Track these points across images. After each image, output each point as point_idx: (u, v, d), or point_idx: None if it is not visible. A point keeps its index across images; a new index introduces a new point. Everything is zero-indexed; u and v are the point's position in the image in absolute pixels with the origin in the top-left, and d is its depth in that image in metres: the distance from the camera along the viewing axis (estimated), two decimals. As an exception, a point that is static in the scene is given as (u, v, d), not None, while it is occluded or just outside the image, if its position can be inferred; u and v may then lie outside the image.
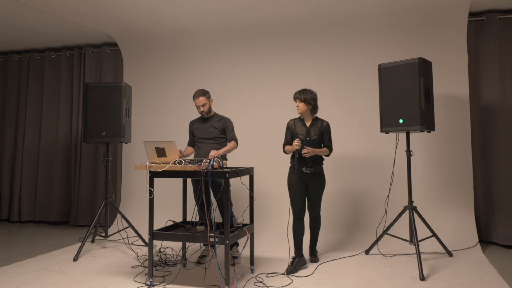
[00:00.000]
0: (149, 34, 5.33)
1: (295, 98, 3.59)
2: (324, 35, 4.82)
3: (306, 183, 3.60)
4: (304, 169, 3.54)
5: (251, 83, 5.03)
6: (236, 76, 5.10)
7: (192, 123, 3.97)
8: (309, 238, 3.81)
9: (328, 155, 3.64)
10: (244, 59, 5.08)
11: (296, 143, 3.44)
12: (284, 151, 3.65)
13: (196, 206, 3.75)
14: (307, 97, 3.54)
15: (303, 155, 3.43)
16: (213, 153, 3.44)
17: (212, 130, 3.81)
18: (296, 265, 3.47)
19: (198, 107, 3.78)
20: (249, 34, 5.04)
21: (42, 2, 4.27)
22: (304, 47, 4.88)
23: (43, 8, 4.44)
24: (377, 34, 4.66)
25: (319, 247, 4.13)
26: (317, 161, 3.59)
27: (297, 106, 3.58)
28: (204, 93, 3.77)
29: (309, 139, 3.56)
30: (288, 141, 3.67)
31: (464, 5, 4.26)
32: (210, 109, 3.84)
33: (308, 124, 3.62)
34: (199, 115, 3.96)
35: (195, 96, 3.76)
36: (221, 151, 3.57)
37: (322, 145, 3.64)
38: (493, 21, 4.44)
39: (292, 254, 3.98)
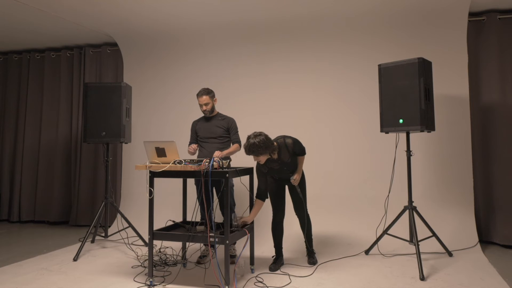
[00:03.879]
0: (149, 34, 5.33)
1: (251, 154, 3.23)
2: (325, 35, 4.82)
3: (287, 184, 3.62)
4: None
5: (252, 84, 5.03)
6: (236, 76, 5.10)
7: (195, 123, 3.95)
8: (303, 240, 3.79)
9: (293, 161, 3.50)
10: (245, 60, 5.08)
11: None
12: None
13: (199, 206, 3.75)
14: (261, 150, 3.17)
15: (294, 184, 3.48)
16: (217, 153, 3.45)
17: (216, 130, 3.80)
18: (278, 263, 3.55)
19: (201, 105, 3.77)
20: (249, 34, 5.04)
21: (42, 2, 4.27)
22: (305, 47, 4.88)
23: (43, 8, 4.44)
24: (377, 34, 4.66)
25: (319, 247, 4.13)
26: (294, 167, 3.52)
27: (258, 161, 3.30)
28: (208, 92, 3.75)
29: (286, 168, 3.47)
30: (266, 184, 3.50)
31: (464, 5, 4.26)
32: (213, 108, 3.82)
33: (275, 157, 3.40)
34: (201, 115, 3.96)
35: (199, 94, 3.75)
36: (225, 152, 3.57)
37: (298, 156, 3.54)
38: (493, 21, 4.44)
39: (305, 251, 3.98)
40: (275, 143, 3.35)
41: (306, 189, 3.77)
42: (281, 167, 3.46)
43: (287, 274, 3.36)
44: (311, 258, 3.68)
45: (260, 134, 3.22)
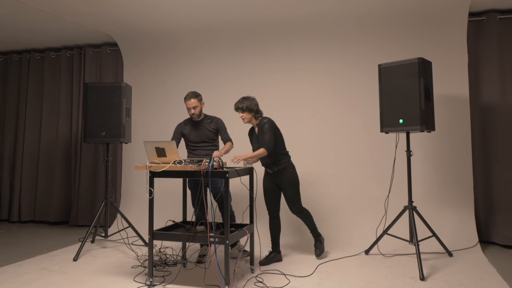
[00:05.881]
0: (149, 33, 5.33)
1: (236, 109, 3.54)
2: (325, 35, 4.82)
3: (276, 183, 3.69)
4: (269, 169, 3.66)
5: (253, 84, 5.03)
6: (236, 76, 5.10)
7: (182, 126, 3.87)
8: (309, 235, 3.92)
9: (269, 154, 3.50)
10: (246, 60, 5.08)
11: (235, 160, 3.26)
12: None
13: (194, 208, 3.76)
14: (248, 105, 3.49)
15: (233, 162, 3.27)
16: (216, 153, 3.45)
17: (207, 133, 3.79)
18: (270, 259, 3.67)
19: (189, 109, 3.73)
20: (250, 34, 5.04)
21: (42, 2, 4.27)
22: (305, 47, 4.88)
23: (43, 8, 4.44)
24: (377, 34, 4.66)
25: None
26: (273, 161, 3.59)
27: (241, 117, 3.53)
28: (196, 95, 3.72)
29: (260, 146, 3.55)
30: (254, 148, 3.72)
31: (464, 5, 4.27)
32: (201, 112, 3.79)
33: (257, 131, 3.62)
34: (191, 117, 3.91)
35: (187, 98, 3.71)
36: (223, 151, 3.58)
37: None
38: (493, 21, 4.44)
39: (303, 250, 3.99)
40: (261, 113, 3.59)
41: (299, 187, 3.76)
42: (259, 146, 3.54)
43: (287, 274, 3.36)
44: (317, 249, 3.78)
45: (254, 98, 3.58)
